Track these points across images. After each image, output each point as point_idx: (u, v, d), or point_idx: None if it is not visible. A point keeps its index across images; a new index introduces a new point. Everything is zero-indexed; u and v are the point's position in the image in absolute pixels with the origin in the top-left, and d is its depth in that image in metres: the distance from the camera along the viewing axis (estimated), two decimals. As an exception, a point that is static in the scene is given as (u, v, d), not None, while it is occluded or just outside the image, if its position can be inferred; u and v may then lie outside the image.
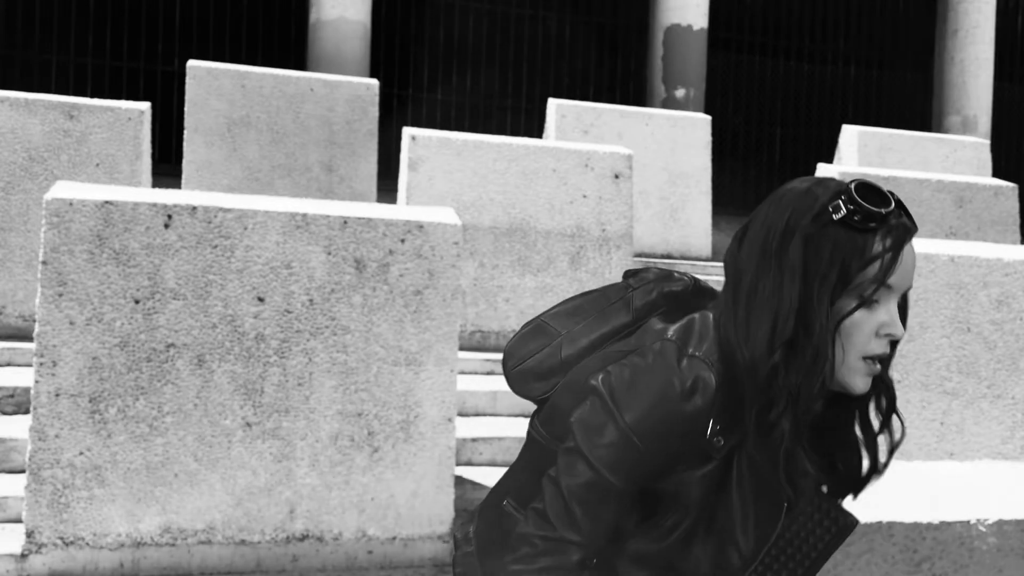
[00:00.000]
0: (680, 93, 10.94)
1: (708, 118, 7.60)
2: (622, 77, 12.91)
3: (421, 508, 3.53)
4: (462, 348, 5.21)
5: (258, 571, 3.39)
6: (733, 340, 1.18)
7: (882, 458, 1.27)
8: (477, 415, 4.58)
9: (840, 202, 1.16)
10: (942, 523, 2.03)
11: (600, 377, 1.21)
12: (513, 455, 4.23)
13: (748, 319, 1.17)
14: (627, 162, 5.56)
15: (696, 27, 11.16)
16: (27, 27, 10.83)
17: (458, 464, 4.11)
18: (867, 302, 1.16)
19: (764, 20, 13.65)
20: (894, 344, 1.21)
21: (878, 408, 1.26)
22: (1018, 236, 6.09)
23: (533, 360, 1.33)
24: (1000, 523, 2.06)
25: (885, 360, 1.22)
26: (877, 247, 1.15)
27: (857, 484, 1.28)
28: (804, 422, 1.16)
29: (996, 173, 13.19)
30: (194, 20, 11.40)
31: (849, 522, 1.26)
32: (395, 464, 3.51)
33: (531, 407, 4.65)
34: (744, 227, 1.23)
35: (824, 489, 1.30)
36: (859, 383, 1.18)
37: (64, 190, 3.29)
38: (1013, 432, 3.52)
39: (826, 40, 14.11)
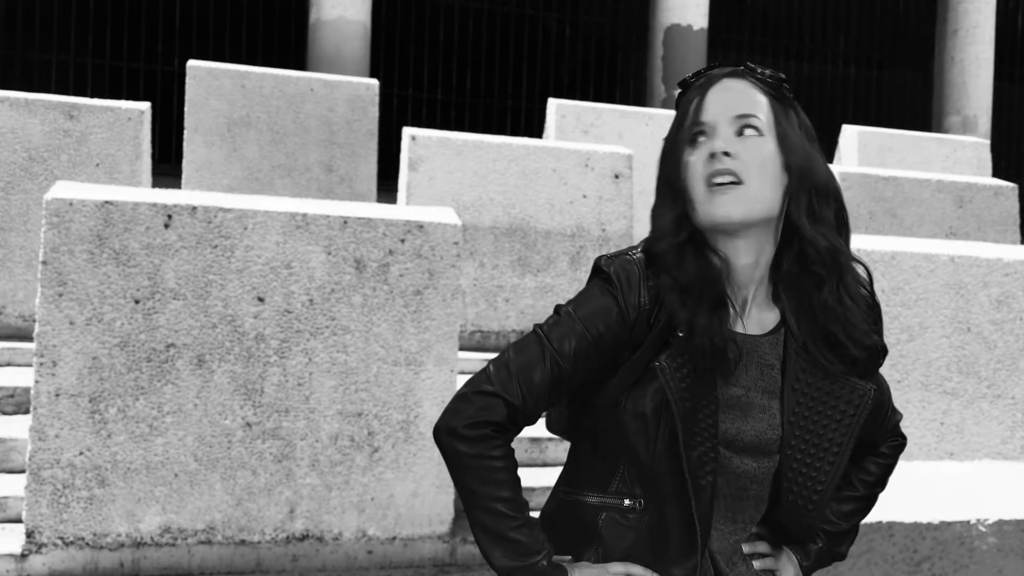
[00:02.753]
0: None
1: (708, 118, 7.58)
2: (622, 77, 12.91)
3: (421, 508, 3.53)
4: (462, 348, 5.21)
5: (258, 571, 3.39)
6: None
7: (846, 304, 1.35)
8: (477, 415, 4.58)
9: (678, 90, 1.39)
10: (942, 523, 2.03)
11: None
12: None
13: (654, 215, 1.36)
14: (627, 162, 5.56)
15: (696, 27, 11.16)
16: (27, 27, 10.83)
17: (458, 464, 4.11)
18: (691, 139, 1.31)
19: (764, 20, 13.66)
20: (732, 171, 1.30)
21: (817, 263, 1.33)
22: (1018, 236, 6.09)
23: None
24: (1000, 523, 2.06)
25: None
26: (688, 100, 1.33)
27: (860, 349, 1.34)
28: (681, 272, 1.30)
29: (996, 173, 13.19)
30: (194, 20, 11.40)
31: (867, 389, 1.35)
32: (395, 464, 3.51)
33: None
34: None
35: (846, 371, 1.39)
36: (714, 209, 1.27)
37: (64, 190, 3.29)
38: (1013, 432, 3.52)
39: (826, 40, 14.11)
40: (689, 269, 1.30)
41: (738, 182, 1.26)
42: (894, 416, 1.53)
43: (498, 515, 1.30)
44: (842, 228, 1.33)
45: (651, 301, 1.30)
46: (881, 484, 1.55)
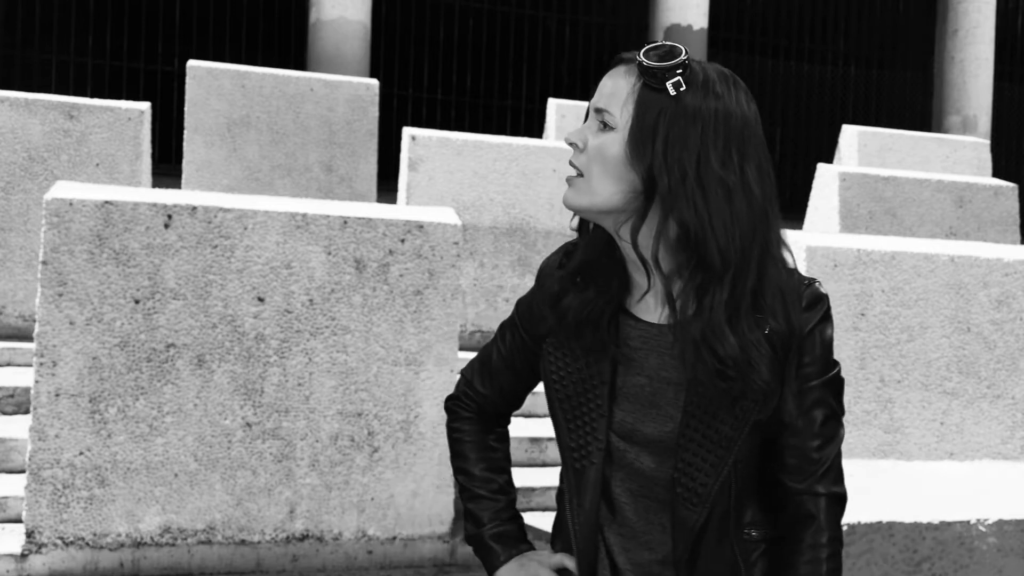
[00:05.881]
0: (680, 93, 10.92)
1: (708, 118, 7.56)
2: (622, 77, 12.89)
3: (421, 508, 3.53)
4: (462, 348, 5.21)
5: (258, 571, 3.39)
6: None
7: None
8: (477, 415, 4.58)
9: None
10: (942, 523, 2.02)
11: None
12: (513, 455, 4.23)
13: None
14: (627, 162, 5.56)
15: (696, 27, 11.16)
16: (27, 27, 10.83)
17: (458, 464, 4.11)
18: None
19: (764, 20, 13.66)
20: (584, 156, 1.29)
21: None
22: (1018, 236, 6.09)
23: None
24: (1000, 523, 2.06)
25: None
26: None
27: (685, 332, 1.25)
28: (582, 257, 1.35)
29: (996, 173, 13.20)
30: (194, 20, 11.40)
31: (770, 385, 1.23)
32: (395, 464, 3.51)
33: (530, 408, 4.65)
34: None
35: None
36: (563, 196, 1.32)
37: (64, 190, 3.29)
38: (1013, 432, 3.52)
39: (826, 40, 14.11)
40: (583, 249, 1.33)
41: (580, 175, 1.27)
42: (831, 453, 1.29)
43: (461, 485, 1.48)
44: (734, 219, 1.20)
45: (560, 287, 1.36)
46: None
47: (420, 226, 3.54)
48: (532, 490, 3.97)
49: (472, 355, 5.04)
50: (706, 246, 1.19)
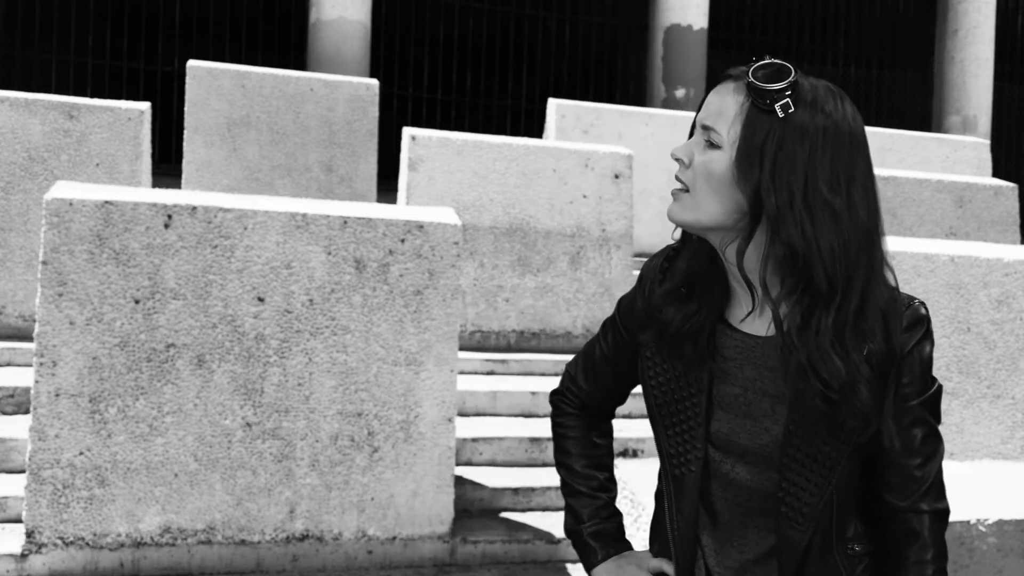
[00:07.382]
0: (680, 93, 10.94)
1: (708, 118, 7.56)
2: (622, 77, 12.91)
3: (421, 508, 3.53)
4: (462, 348, 5.21)
5: (258, 571, 3.39)
6: None
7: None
8: (477, 415, 4.59)
9: None
10: (942, 523, 2.02)
11: None
12: (513, 455, 4.23)
13: None
14: (627, 162, 5.56)
15: (696, 27, 11.16)
16: (27, 27, 10.83)
17: (458, 464, 4.11)
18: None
19: (764, 20, 13.66)
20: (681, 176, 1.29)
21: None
22: (1018, 236, 6.09)
23: None
24: (1000, 523, 2.06)
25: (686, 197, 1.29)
26: None
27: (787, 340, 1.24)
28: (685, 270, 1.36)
29: (996, 173, 13.20)
30: (194, 20, 11.40)
31: (873, 406, 1.22)
32: (395, 464, 3.51)
33: (531, 408, 4.65)
34: None
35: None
36: (667, 210, 1.31)
37: (64, 190, 3.29)
38: (1013, 432, 3.52)
39: (826, 40, 14.11)
40: (685, 260, 1.34)
41: (686, 190, 1.26)
42: (933, 470, 1.29)
43: (562, 480, 1.50)
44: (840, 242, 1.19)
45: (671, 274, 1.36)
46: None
47: (420, 226, 3.54)
48: (532, 490, 3.97)
49: (472, 355, 5.07)
50: (813, 269, 1.19)
